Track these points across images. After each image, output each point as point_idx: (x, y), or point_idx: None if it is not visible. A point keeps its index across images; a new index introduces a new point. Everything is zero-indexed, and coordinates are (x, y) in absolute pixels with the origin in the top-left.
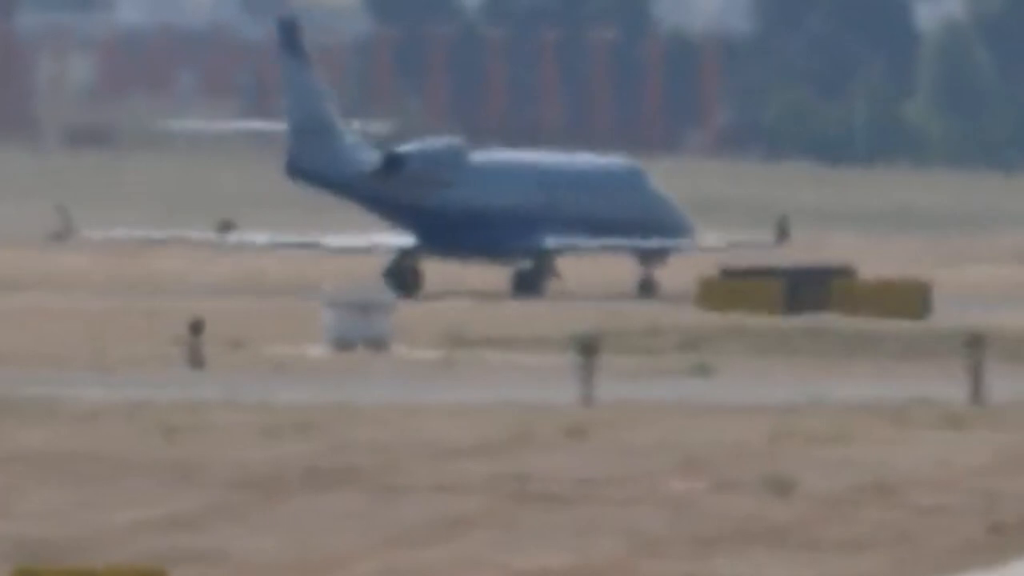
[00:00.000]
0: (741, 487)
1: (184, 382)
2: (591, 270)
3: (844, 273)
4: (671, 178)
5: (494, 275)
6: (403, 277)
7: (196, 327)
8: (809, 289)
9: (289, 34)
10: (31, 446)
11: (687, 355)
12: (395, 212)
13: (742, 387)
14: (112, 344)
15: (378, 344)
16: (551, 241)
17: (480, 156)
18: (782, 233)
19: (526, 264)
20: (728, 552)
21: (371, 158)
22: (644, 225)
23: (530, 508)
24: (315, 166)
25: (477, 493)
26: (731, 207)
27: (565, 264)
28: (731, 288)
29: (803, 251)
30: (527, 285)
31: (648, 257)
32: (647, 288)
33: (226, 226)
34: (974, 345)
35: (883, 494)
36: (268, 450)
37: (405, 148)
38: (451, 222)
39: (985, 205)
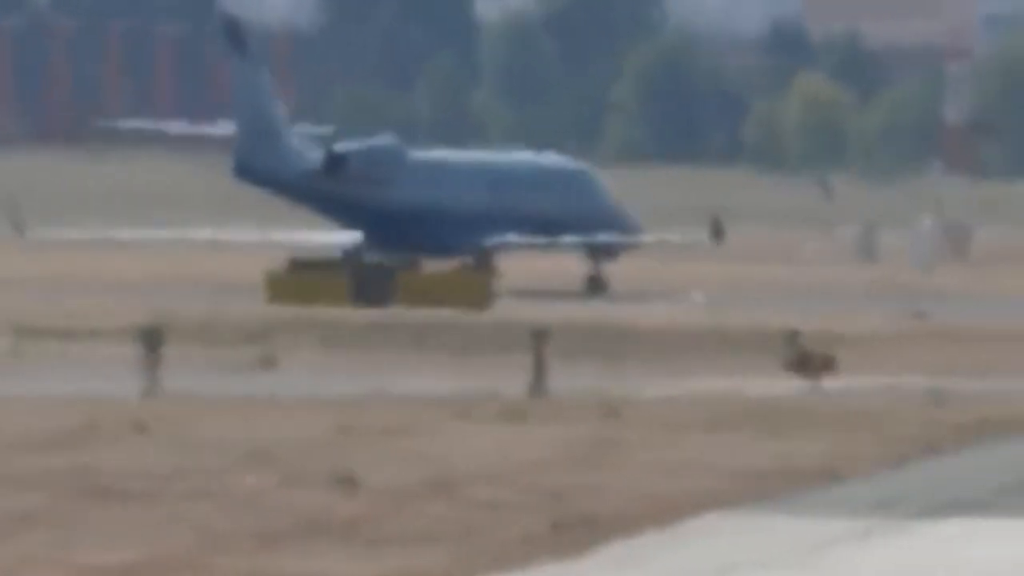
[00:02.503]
0: (308, 482)
1: None
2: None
3: (409, 266)
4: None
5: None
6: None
7: None
8: (374, 282)
9: (234, 33)
10: None
11: (254, 347)
12: (339, 211)
13: (309, 380)
14: None
15: None
16: (491, 239)
17: (419, 154)
18: (717, 232)
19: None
20: (294, 547)
21: (316, 158)
22: (592, 223)
23: (95, 503)
24: (263, 166)
25: (39, 488)
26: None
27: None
28: (297, 281)
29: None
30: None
31: (597, 255)
32: (595, 286)
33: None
34: (537, 338)
35: (447, 488)
36: None
37: (345, 147)
38: (392, 221)
39: None
